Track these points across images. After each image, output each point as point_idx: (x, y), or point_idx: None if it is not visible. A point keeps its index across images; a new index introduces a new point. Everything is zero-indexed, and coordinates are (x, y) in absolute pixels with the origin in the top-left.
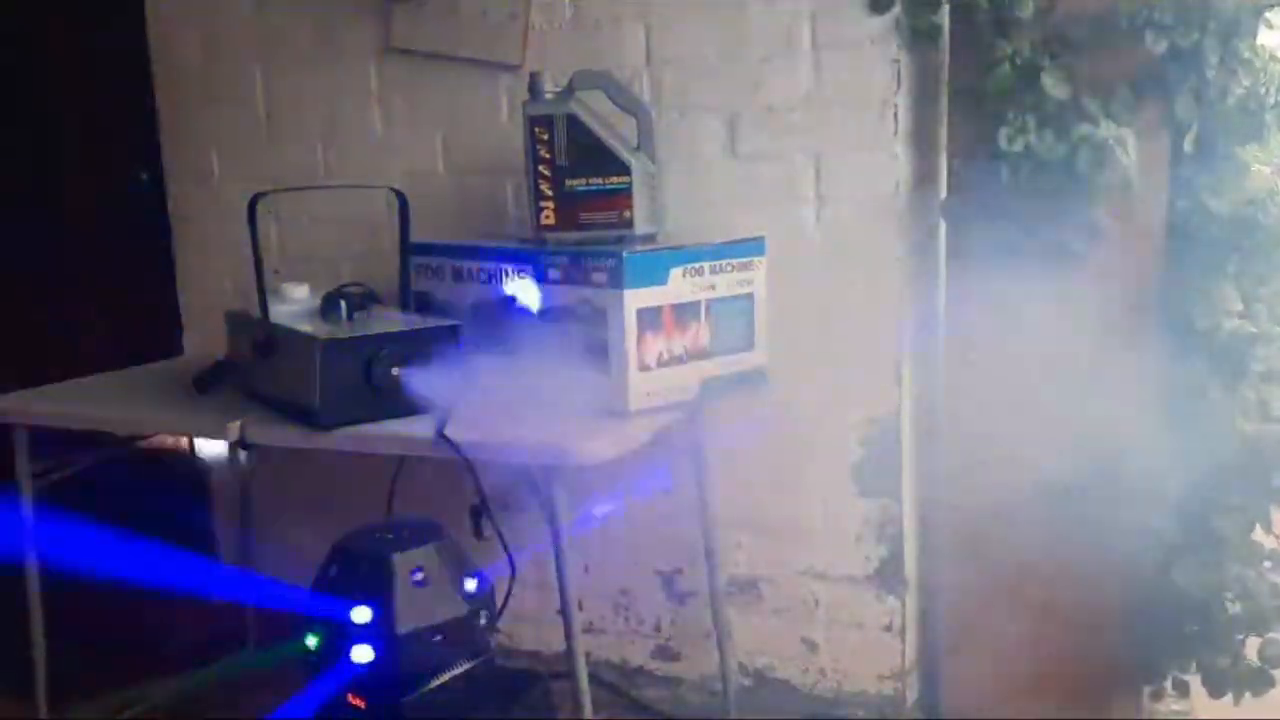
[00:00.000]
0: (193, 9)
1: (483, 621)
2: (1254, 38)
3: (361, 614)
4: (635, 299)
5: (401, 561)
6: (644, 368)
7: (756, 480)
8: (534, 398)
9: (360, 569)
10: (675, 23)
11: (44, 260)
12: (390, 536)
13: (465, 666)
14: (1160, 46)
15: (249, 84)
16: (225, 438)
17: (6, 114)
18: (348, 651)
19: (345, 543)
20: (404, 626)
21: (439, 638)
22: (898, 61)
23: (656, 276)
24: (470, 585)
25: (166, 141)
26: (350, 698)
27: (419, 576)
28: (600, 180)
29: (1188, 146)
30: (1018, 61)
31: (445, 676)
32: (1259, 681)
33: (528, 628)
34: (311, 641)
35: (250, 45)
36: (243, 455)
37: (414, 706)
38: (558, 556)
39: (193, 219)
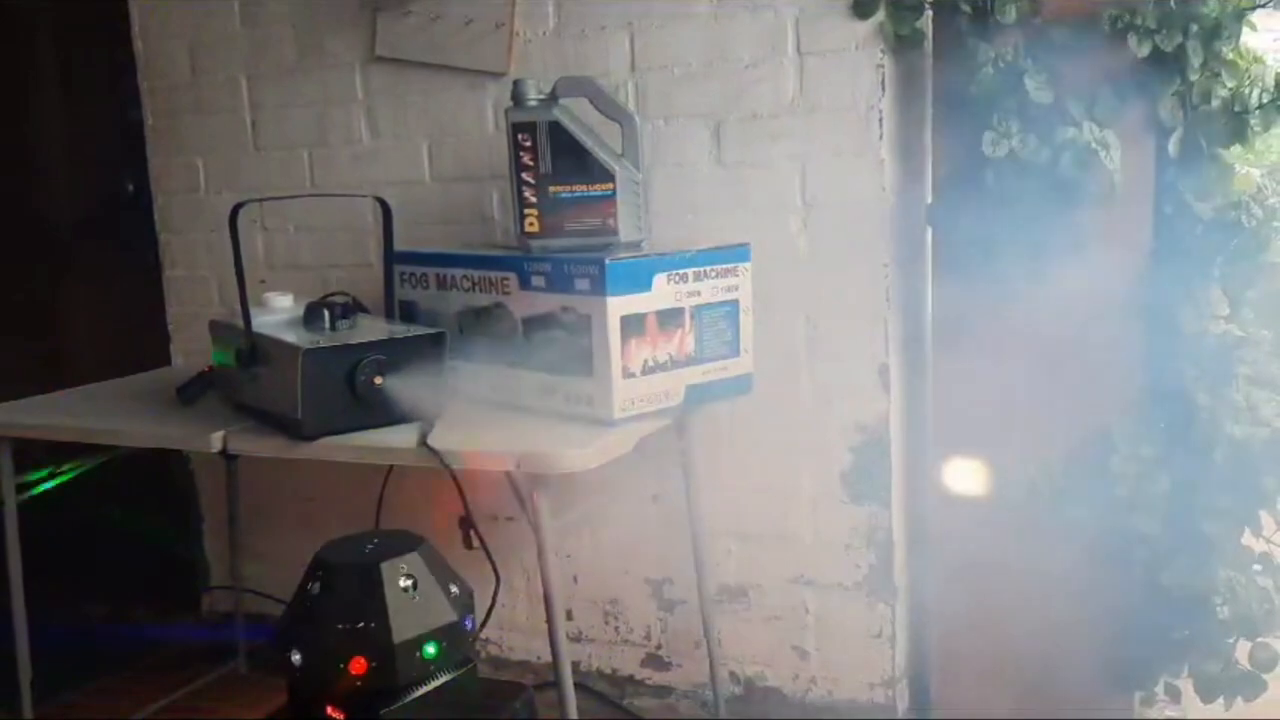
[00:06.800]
0: (179, 19)
1: (450, 641)
2: (1237, 40)
3: (355, 625)
4: (619, 306)
5: (390, 570)
6: (628, 375)
7: (745, 487)
8: (518, 406)
9: (347, 579)
10: (659, 30)
11: (30, 272)
12: (372, 546)
13: (447, 677)
14: (1143, 50)
15: (235, 94)
16: (208, 448)
17: None
18: (334, 663)
19: (326, 554)
20: (399, 636)
21: (432, 645)
22: (882, 67)
23: (640, 283)
24: (455, 589)
25: (153, 152)
26: (329, 710)
27: (408, 584)
28: (584, 187)
29: (1172, 149)
30: (1001, 65)
31: (427, 688)
32: (1250, 686)
33: (519, 637)
34: (296, 656)
35: (236, 55)
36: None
37: (395, 718)
38: (542, 565)
39: (179, 229)
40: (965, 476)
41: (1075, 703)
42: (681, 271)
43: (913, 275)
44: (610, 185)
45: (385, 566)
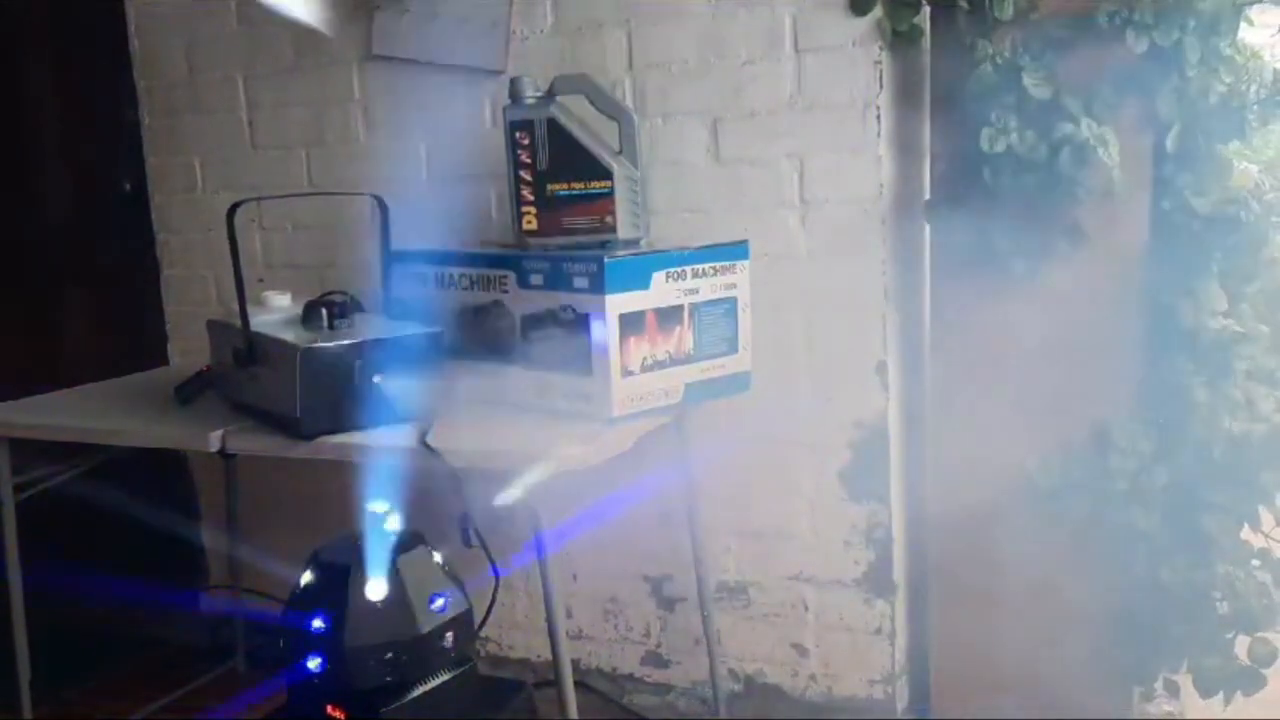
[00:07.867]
0: (175, 18)
1: (450, 639)
2: (1235, 35)
3: (317, 623)
4: (617, 304)
5: (359, 575)
6: (627, 373)
7: (744, 485)
8: (517, 404)
9: (325, 580)
10: (656, 28)
11: (28, 272)
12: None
13: (446, 676)
14: (1141, 45)
15: (232, 93)
16: (207, 448)
17: None
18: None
19: (318, 553)
20: (354, 641)
21: (392, 655)
22: (879, 64)
23: (639, 281)
24: (438, 604)
25: (150, 151)
26: (330, 709)
27: (378, 591)
28: (582, 185)
29: (1170, 145)
30: (999, 62)
31: (426, 686)
32: (1249, 681)
33: (519, 635)
34: (283, 652)
35: (233, 54)
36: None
37: (394, 716)
38: (541, 563)
39: (177, 229)
40: (963, 473)
41: (1074, 699)
42: (680, 269)
43: (911, 272)
44: (608, 183)
45: (356, 572)
